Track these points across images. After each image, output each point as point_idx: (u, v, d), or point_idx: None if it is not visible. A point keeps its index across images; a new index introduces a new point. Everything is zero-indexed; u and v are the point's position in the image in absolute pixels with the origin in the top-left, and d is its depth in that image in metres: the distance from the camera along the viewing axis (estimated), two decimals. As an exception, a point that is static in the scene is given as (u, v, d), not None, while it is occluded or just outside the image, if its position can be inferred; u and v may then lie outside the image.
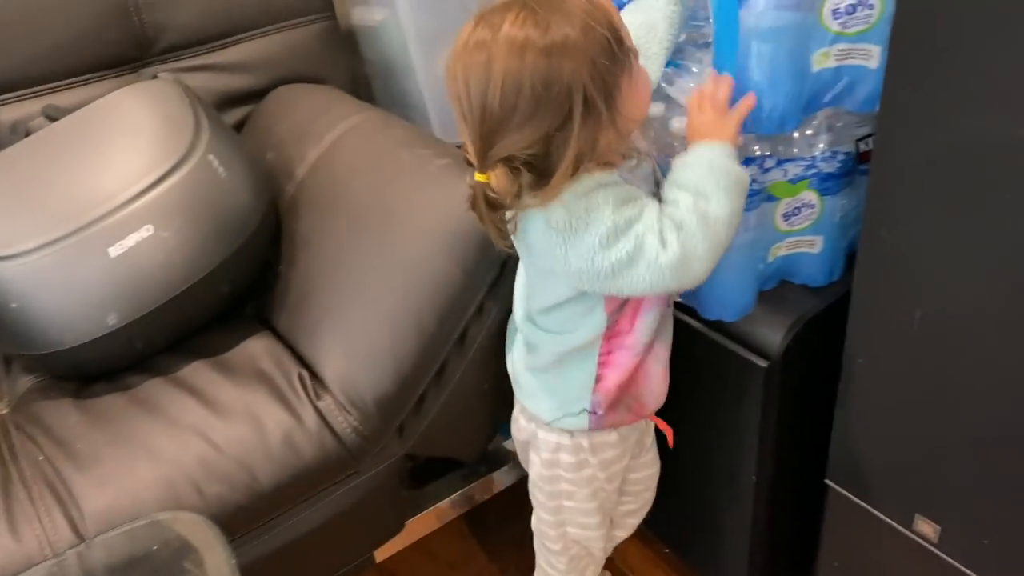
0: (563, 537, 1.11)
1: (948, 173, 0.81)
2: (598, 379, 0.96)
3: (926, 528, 1.01)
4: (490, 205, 0.83)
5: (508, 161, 0.79)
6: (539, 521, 1.12)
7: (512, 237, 0.88)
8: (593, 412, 0.98)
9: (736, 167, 0.86)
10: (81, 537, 0.94)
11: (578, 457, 1.02)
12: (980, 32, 0.74)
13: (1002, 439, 0.89)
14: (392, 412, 1.06)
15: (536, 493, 1.09)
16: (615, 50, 0.78)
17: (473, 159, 0.82)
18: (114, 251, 1.02)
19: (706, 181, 0.84)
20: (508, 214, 0.85)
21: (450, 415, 1.13)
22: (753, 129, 0.93)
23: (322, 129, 1.28)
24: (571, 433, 1.00)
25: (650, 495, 1.21)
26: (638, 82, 0.83)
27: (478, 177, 0.82)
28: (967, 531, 0.97)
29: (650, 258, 0.82)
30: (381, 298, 1.07)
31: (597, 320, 0.92)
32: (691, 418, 1.15)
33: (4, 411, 1.14)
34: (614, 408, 0.98)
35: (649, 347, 0.96)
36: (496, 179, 0.80)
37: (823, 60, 0.90)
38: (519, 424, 1.06)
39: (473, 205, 0.85)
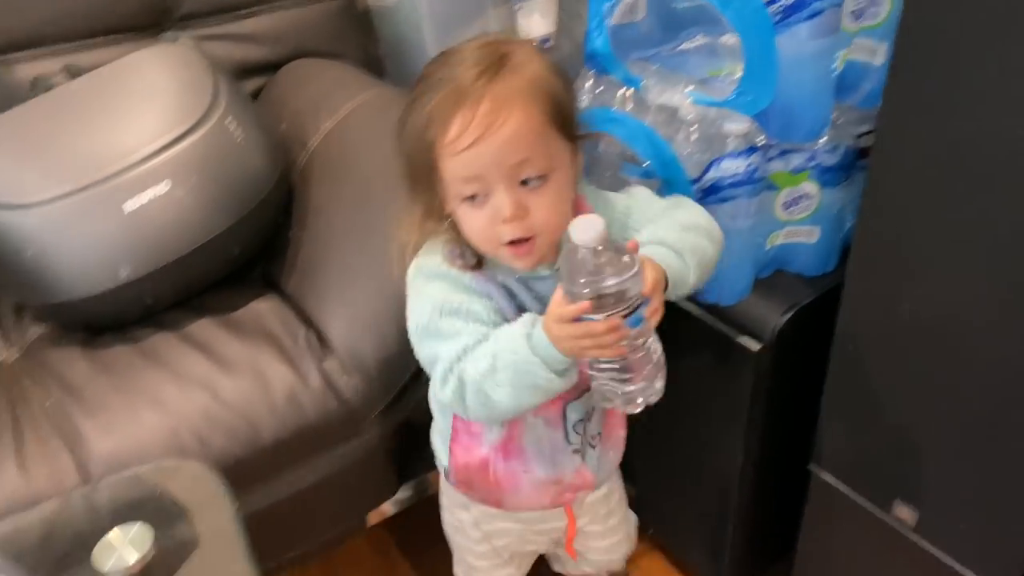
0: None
1: (945, 169, 0.84)
2: (450, 449, 0.93)
3: (904, 513, 1.05)
4: None
5: None
6: None
7: None
8: (450, 470, 0.96)
9: (544, 377, 0.77)
10: (87, 478, 0.96)
11: (444, 498, 1.04)
12: (983, 31, 0.77)
13: (983, 429, 0.92)
14: (394, 377, 1.09)
15: None
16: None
17: None
18: (129, 206, 1.05)
19: (507, 367, 0.77)
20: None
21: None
22: (787, 138, 0.99)
23: (336, 103, 1.30)
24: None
25: (610, 559, 1.13)
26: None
27: None
28: (945, 517, 1.01)
29: (433, 382, 0.82)
30: (388, 266, 1.10)
31: None
32: (681, 401, 1.16)
33: (14, 357, 1.16)
34: (466, 484, 0.96)
35: (503, 449, 0.90)
36: None
37: (840, 62, 0.95)
38: None
39: None
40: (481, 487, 0.95)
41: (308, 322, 1.13)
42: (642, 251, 0.80)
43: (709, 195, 0.99)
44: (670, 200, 0.93)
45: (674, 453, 1.27)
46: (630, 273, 0.72)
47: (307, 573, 1.39)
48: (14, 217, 1.04)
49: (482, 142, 0.74)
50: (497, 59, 0.76)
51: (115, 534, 0.80)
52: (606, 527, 1.08)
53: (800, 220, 1.06)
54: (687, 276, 0.85)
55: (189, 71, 1.18)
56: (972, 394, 0.91)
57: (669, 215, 0.90)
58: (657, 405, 0.85)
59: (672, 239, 0.85)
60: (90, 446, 0.99)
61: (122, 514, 0.89)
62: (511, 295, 0.83)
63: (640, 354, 0.78)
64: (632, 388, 0.80)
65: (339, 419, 1.08)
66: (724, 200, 0.99)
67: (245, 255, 1.18)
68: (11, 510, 0.92)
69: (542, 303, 0.81)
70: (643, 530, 1.19)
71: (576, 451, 0.93)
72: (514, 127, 0.74)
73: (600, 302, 0.72)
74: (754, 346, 1.07)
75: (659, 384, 0.82)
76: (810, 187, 1.03)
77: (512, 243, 0.78)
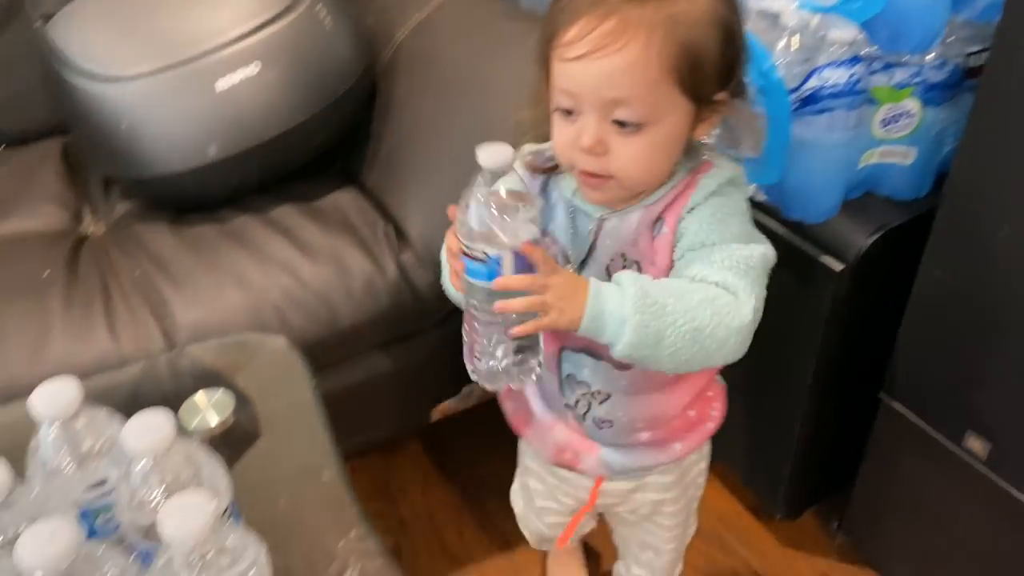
0: None
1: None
2: None
3: (976, 445, 1.03)
4: None
5: None
6: None
7: None
8: None
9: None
10: (172, 346, 1.00)
11: None
12: None
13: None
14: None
15: None
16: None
17: None
18: (220, 85, 1.06)
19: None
20: None
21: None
22: (895, 48, 0.95)
23: (424, -1, 1.29)
24: None
25: (652, 557, 1.07)
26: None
27: None
28: (1018, 450, 0.99)
29: None
30: (468, 162, 1.09)
31: None
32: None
33: (101, 231, 1.20)
34: (506, 396, 0.95)
35: None
36: None
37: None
38: None
39: None
40: (509, 405, 0.94)
41: (387, 215, 1.14)
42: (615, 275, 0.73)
43: (807, 105, 0.96)
44: (723, 256, 0.74)
45: (741, 373, 1.26)
46: (499, 221, 0.66)
47: (368, 465, 1.43)
48: (110, 89, 1.06)
49: (588, 60, 0.68)
50: None
51: (200, 396, 0.83)
52: (636, 533, 1.04)
53: (898, 139, 1.02)
54: (642, 338, 0.69)
55: (281, -45, 1.17)
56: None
57: (701, 258, 0.74)
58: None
59: (657, 289, 0.71)
60: (176, 316, 1.02)
61: (205, 380, 0.92)
62: (553, 208, 0.80)
63: (479, 322, 0.71)
64: (475, 360, 0.75)
65: (412, 312, 1.09)
66: (822, 111, 0.96)
67: (327, 144, 1.19)
68: (101, 369, 0.96)
69: (575, 236, 0.78)
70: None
71: (569, 407, 0.87)
72: (626, 60, 0.67)
73: (464, 230, 0.67)
74: (837, 266, 1.05)
75: (497, 385, 0.75)
76: (912, 104, 1.00)
77: (585, 172, 0.74)
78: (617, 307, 0.69)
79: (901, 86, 0.98)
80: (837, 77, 0.94)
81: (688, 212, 0.75)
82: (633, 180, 0.73)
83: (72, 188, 1.25)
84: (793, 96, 0.97)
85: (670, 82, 0.69)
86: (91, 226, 1.22)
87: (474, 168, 0.68)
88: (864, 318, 1.11)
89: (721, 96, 0.73)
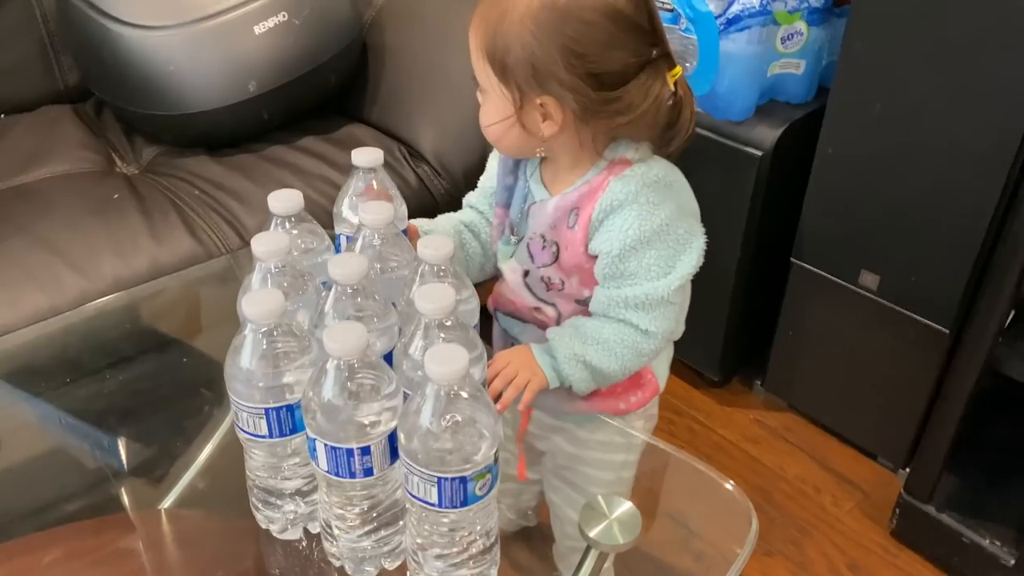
0: None
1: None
2: None
3: (869, 279, 1.38)
4: None
5: None
6: None
7: None
8: None
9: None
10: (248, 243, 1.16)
11: None
12: None
13: (931, 200, 1.25)
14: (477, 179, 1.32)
15: None
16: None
17: None
18: (258, 29, 1.24)
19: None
20: None
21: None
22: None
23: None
24: None
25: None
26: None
27: None
28: (900, 277, 1.34)
29: None
30: (470, 85, 1.33)
31: None
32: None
33: (134, 172, 1.33)
34: None
35: None
36: None
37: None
38: None
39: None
40: None
41: (399, 140, 1.35)
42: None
43: (731, 25, 1.28)
44: (634, 294, 0.79)
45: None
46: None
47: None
48: (157, 37, 1.22)
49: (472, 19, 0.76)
50: None
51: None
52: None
53: (792, 53, 1.36)
54: (586, 382, 0.80)
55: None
56: (924, 170, 1.24)
57: (617, 287, 0.79)
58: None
59: (580, 346, 0.79)
60: (244, 221, 1.19)
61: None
62: (518, 187, 0.85)
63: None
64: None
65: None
66: (742, 29, 1.28)
67: (339, 87, 1.39)
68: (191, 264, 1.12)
69: (519, 214, 0.85)
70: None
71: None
72: (472, 26, 0.76)
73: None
74: (757, 153, 1.37)
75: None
76: (801, 25, 1.34)
77: None
78: (555, 365, 0.79)
79: (793, 11, 1.32)
80: (752, 0, 1.27)
81: (601, 218, 0.77)
82: (488, 136, 0.81)
83: (95, 141, 1.37)
84: (720, 19, 1.29)
85: (484, 60, 0.75)
86: (125, 169, 1.34)
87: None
88: (778, 195, 1.43)
89: (545, 99, 0.73)
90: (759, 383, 1.66)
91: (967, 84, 1.15)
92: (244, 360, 0.66)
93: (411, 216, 0.91)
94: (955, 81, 1.15)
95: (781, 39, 1.34)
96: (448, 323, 0.67)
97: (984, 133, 1.15)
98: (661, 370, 0.93)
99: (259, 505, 0.75)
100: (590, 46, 0.71)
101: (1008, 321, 1.19)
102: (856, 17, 1.24)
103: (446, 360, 0.60)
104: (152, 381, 1.03)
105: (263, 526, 0.76)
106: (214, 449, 0.95)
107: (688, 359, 1.67)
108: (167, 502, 0.93)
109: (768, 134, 1.36)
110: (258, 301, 0.65)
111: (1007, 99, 1.11)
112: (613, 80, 0.72)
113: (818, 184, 1.39)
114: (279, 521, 0.76)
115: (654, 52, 0.74)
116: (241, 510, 0.78)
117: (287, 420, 0.68)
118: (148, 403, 1.00)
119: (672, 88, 0.75)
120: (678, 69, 0.77)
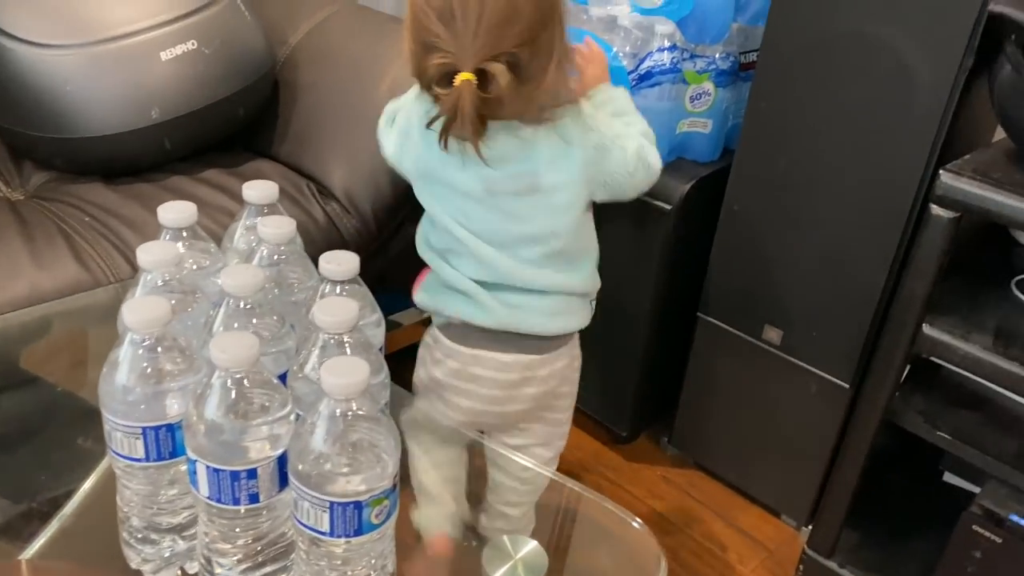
0: None
1: (811, 61, 1.22)
2: None
3: (772, 334, 1.40)
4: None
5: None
6: None
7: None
8: None
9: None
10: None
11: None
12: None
13: (832, 255, 1.29)
14: (387, 218, 1.30)
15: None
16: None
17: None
18: (164, 55, 1.20)
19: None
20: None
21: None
22: (699, 40, 1.33)
23: (310, 10, 1.50)
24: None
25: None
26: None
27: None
28: (802, 332, 1.37)
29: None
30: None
31: None
32: (605, 259, 1.46)
33: (20, 197, 1.25)
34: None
35: None
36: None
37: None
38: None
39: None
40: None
41: (309, 176, 1.32)
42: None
43: (643, 80, 1.31)
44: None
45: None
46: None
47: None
48: (54, 55, 1.16)
49: None
50: None
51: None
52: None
53: (700, 113, 1.40)
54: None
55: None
56: (824, 228, 1.28)
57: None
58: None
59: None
60: (136, 248, 1.12)
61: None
62: None
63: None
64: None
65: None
66: (653, 85, 1.32)
67: (246, 120, 1.35)
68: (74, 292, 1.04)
69: None
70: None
71: None
72: None
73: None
74: (666, 207, 1.39)
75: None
76: (709, 86, 1.38)
77: None
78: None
79: (701, 72, 1.37)
80: (664, 59, 1.30)
81: None
82: None
83: (-23, 164, 1.29)
84: (632, 75, 1.32)
85: None
86: (10, 194, 1.26)
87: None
88: (686, 249, 1.46)
89: None
90: (666, 439, 1.65)
91: (863, 147, 1.20)
92: (121, 374, 0.61)
93: (316, 253, 0.85)
94: (851, 142, 1.21)
95: (690, 98, 1.38)
96: (348, 339, 0.64)
97: (879, 192, 1.21)
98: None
99: (131, 541, 0.69)
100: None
101: (904, 376, 1.23)
102: (760, 80, 1.29)
103: (344, 372, 0.56)
104: (18, 418, 0.95)
105: (134, 566, 0.69)
106: (87, 492, 0.87)
107: (597, 414, 1.66)
108: (29, 552, 0.84)
109: (677, 187, 1.39)
110: (140, 308, 0.60)
111: (900, 160, 1.17)
112: None
113: (723, 240, 1.42)
114: (153, 559, 0.69)
115: None
116: (113, 554, 0.71)
117: (166, 442, 0.62)
118: (12, 441, 0.92)
119: None
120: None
